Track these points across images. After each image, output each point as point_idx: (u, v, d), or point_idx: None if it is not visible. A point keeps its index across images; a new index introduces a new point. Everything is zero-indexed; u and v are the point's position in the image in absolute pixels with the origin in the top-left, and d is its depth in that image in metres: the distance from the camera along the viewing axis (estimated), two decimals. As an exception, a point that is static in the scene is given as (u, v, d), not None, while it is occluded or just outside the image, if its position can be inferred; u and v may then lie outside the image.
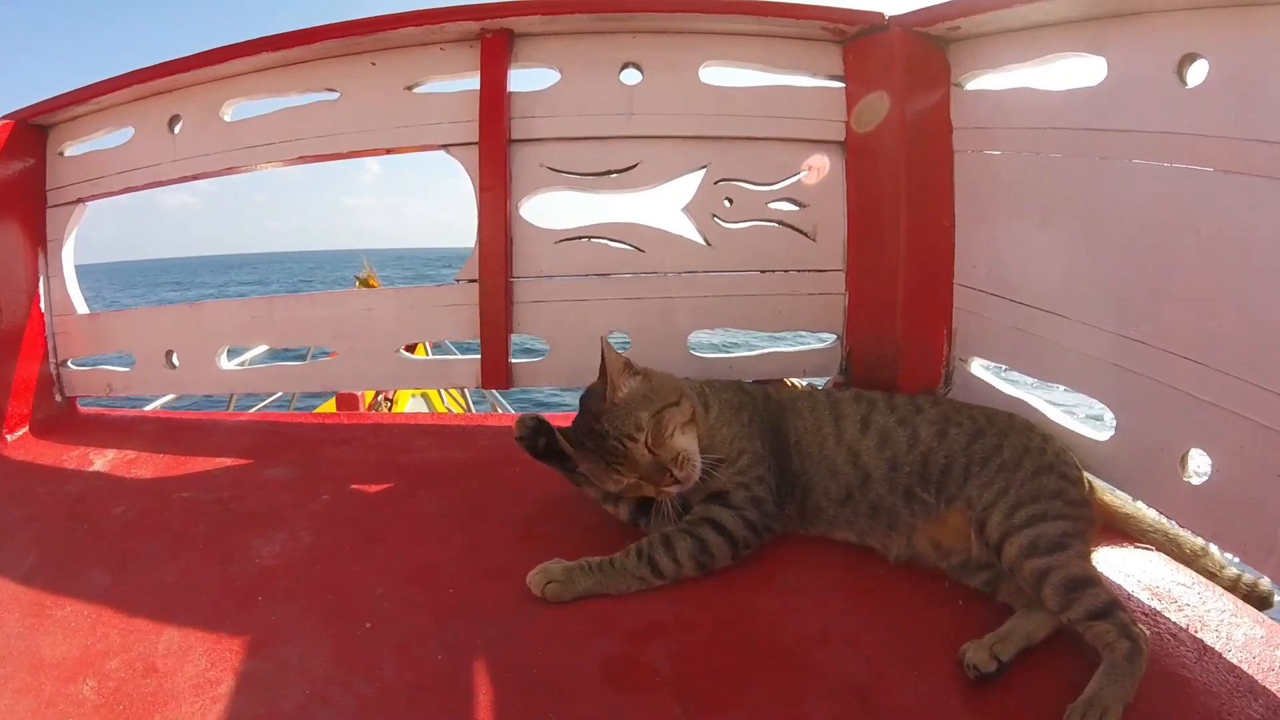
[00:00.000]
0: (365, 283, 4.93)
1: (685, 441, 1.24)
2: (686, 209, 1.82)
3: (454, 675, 1.02)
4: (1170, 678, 0.99)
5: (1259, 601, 1.16)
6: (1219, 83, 1.12)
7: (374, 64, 1.83)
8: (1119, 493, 1.32)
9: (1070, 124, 1.36)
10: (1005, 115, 1.51)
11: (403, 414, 4.08)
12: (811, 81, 1.78)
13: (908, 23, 1.60)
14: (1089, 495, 1.24)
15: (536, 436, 1.39)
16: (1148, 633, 0.98)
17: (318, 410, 3.80)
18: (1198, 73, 1.15)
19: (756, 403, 1.39)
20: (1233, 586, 1.18)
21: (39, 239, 2.01)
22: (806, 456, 1.31)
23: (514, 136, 1.79)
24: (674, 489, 1.21)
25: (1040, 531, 1.08)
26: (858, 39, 1.71)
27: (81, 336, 2.05)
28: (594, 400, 1.28)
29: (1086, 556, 1.09)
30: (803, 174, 1.79)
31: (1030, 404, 1.46)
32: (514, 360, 1.87)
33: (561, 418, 1.49)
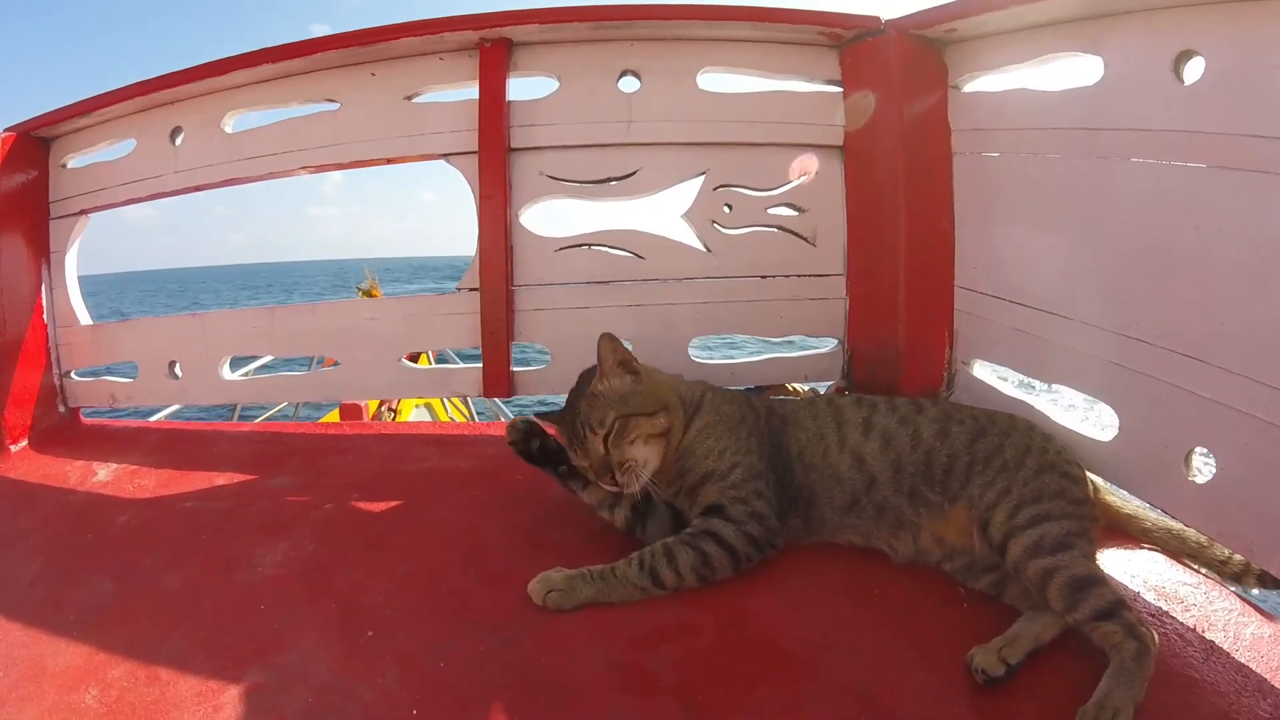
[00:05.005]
0: (368, 293, 4.95)
1: (641, 452, 1.26)
2: (686, 215, 1.82)
3: (456, 682, 1.02)
4: (1178, 678, 0.99)
5: (1274, 583, 1.14)
6: (1216, 79, 1.12)
7: (374, 74, 1.84)
8: (1121, 492, 1.31)
9: (1068, 124, 1.36)
10: (1003, 116, 1.52)
11: (405, 423, 4.08)
12: (809, 86, 1.79)
13: (904, 26, 1.60)
14: (1092, 495, 1.23)
15: (529, 440, 1.41)
16: (1155, 633, 0.97)
17: (322, 421, 3.80)
18: (1194, 70, 1.15)
19: (759, 416, 1.37)
20: (1242, 573, 1.17)
21: (42, 250, 2.02)
22: (810, 467, 1.30)
23: (513, 145, 1.80)
24: (613, 489, 1.27)
25: (1044, 531, 1.07)
26: (854, 43, 1.72)
27: (84, 347, 2.05)
28: (586, 380, 1.34)
29: (1091, 556, 1.08)
30: (800, 179, 1.80)
31: (1032, 406, 1.45)
32: (515, 368, 1.87)
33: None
